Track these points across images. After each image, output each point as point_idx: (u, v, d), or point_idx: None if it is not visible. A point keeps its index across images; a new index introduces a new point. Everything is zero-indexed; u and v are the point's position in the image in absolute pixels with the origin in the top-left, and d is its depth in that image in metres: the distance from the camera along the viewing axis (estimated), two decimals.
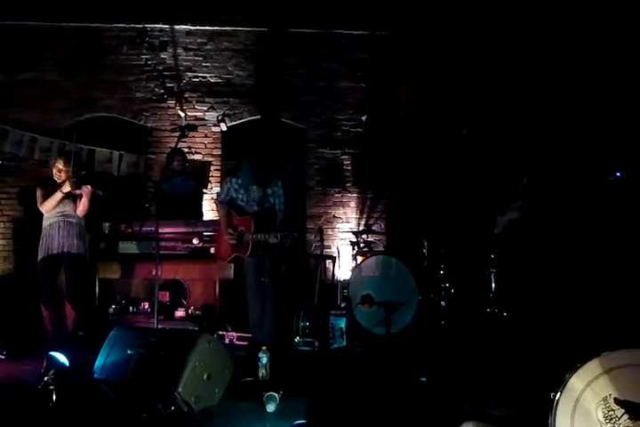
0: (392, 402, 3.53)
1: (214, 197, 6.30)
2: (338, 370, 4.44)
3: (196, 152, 7.72)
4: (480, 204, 5.67)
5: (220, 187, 5.34)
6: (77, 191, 5.10)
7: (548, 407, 2.35)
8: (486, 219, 5.49)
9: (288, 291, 6.16)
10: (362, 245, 6.86)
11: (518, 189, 5.32)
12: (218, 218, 5.49)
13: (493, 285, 5.20)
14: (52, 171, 5.13)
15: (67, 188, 5.02)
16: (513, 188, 5.38)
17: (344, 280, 6.50)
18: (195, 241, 5.68)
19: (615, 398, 2.29)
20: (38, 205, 5.08)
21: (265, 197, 5.06)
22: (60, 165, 5.08)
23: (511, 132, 5.68)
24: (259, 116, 7.73)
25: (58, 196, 5.02)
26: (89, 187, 5.11)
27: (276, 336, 5.00)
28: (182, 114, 7.69)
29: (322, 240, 6.80)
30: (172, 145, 6.60)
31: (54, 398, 3.27)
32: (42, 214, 5.11)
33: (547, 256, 5.16)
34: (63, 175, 5.07)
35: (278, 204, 5.05)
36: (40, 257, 5.01)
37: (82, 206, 5.10)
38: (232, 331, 5.24)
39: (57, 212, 5.04)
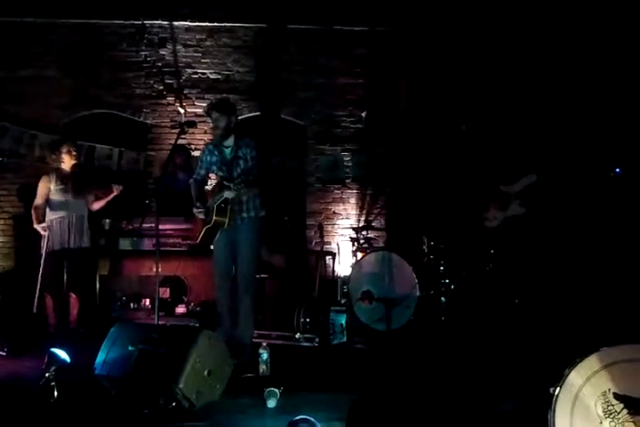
0: (394, 398, 3.55)
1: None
2: (338, 366, 4.45)
3: (195, 149, 7.71)
4: (473, 197, 5.64)
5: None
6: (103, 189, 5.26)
7: (548, 403, 2.36)
8: (477, 212, 5.46)
9: (288, 287, 6.17)
10: (362, 241, 6.85)
11: (524, 186, 5.27)
12: None
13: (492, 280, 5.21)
14: (59, 157, 5.13)
15: (119, 188, 5.21)
16: (511, 183, 5.35)
17: (344, 276, 6.51)
18: None
19: (614, 393, 2.30)
20: (50, 192, 5.10)
21: (236, 161, 4.59)
22: (69, 147, 5.14)
23: (509, 129, 5.65)
24: (258, 113, 7.73)
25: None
26: (120, 187, 5.22)
27: (254, 335, 4.74)
28: (182, 110, 7.68)
29: (322, 236, 6.80)
30: (172, 142, 6.56)
31: (55, 394, 3.28)
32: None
33: (548, 251, 5.17)
34: (74, 158, 5.13)
35: (252, 167, 4.56)
36: (48, 250, 4.99)
37: (99, 204, 5.25)
38: None
39: (65, 205, 5.04)
